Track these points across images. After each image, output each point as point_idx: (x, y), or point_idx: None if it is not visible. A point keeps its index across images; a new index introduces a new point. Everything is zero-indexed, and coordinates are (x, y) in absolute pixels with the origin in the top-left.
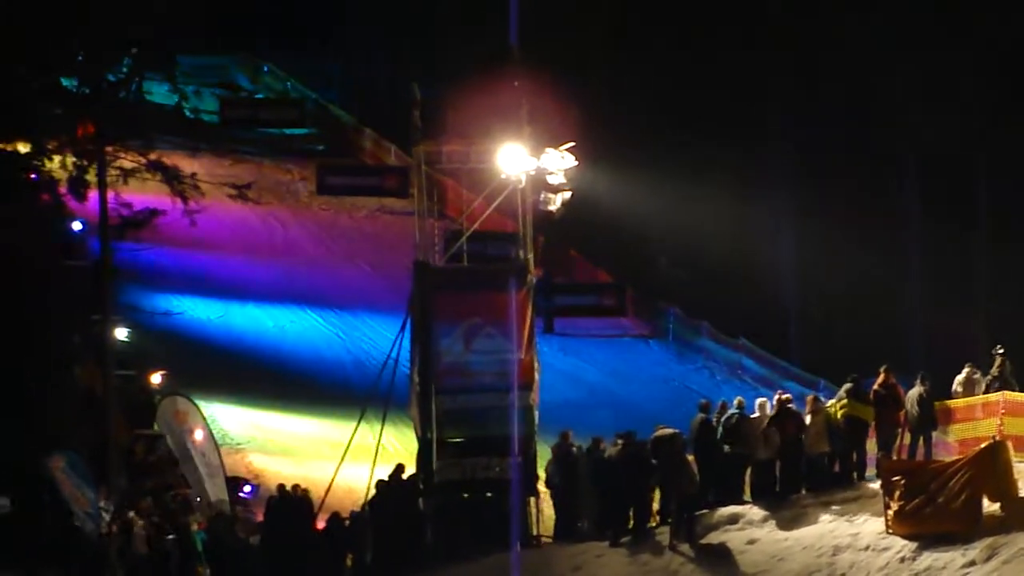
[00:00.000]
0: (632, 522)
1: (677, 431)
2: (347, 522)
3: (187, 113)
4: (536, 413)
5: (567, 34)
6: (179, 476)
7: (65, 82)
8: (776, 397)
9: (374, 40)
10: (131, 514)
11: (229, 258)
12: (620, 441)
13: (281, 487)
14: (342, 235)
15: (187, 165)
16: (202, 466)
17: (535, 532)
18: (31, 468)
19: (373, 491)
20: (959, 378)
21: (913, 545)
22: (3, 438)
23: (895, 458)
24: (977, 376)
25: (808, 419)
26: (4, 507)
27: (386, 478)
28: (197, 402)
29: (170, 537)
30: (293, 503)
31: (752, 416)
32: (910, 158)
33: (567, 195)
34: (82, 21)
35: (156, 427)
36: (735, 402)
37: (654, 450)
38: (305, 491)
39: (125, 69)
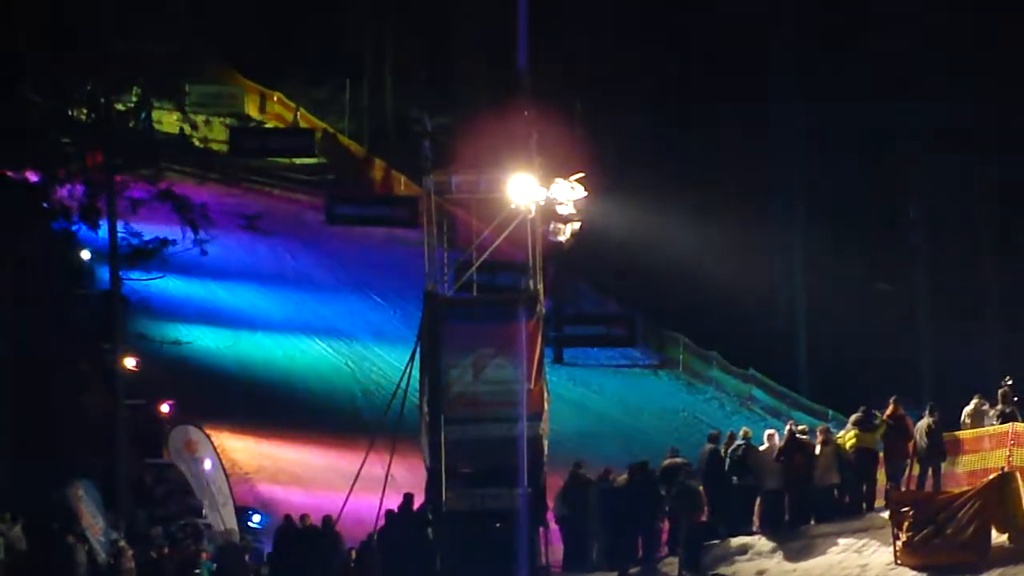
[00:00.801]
0: (641, 552)
1: (687, 460)
2: (355, 553)
3: (196, 143)
4: (545, 443)
5: (576, 65)
6: (189, 505)
7: (75, 112)
8: (787, 428)
9: (384, 70)
10: (121, 543)
11: (239, 287)
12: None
13: (287, 517)
14: (352, 265)
15: (197, 194)
16: (211, 495)
17: (544, 562)
18: (42, 497)
19: (382, 521)
20: (967, 409)
21: None
22: (13, 467)
23: (904, 489)
24: (986, 407)
25: (818, 449)
26: (17, 539)
27: (396, 508)
28: (207, 431)
29: (196, 572)
30: (301, 533)
31: (760, 447)
32: (919, 186)
33: (577, 225)
34: (91, 50)
35: (167, 456)
36: (741, 433)
37: (663, 480)
38: (329, 518)
39: (135, 99)
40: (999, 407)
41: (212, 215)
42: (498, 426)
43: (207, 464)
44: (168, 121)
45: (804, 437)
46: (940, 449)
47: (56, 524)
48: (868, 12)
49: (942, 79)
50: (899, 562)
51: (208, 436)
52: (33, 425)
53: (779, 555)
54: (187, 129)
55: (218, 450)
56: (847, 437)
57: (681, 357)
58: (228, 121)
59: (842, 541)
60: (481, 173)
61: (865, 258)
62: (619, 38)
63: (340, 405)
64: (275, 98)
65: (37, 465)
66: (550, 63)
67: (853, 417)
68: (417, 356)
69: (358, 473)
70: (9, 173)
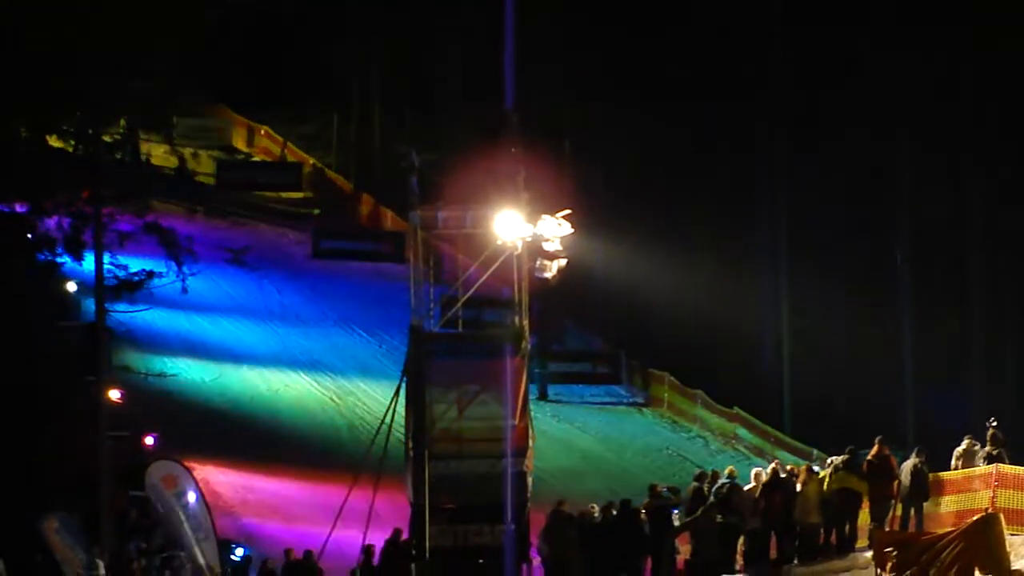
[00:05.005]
0: None
1: (669, 497)
2: None
3: (184, 176)
4: (530, 480)
5: (564, 103)
6: (171, 539)
7: (61, 143)
8: (771, 467)
9: (373, 105)
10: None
11: (224, 321)
12: (613, 509)
13: (288, 552)
14: (337, 299)
15: (183, 227)
16: (194, 529)
17: None
18: (24, 530)
19: (363, 556)
20: (958, 450)
21: None
22: None
23: (888, 529)
24: (977, 448)
25: (799, 489)
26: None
27: (384, 543)
28: (191, 464)
29: None
30: (284, 568)
31: (746, 486)
32: (905, 228)
33: (563, 262)
34: (79, 83)
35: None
36: (726, 471)
37: (648, 517)
38: (310, 553)
39: (122, 131)
40: (987, 448)
41: (198, 248)
42: (482, 463)
43: (190, 497)
44: (156, 154)
45: (784, 476)
46: (924, 490)
47: (38, 558)
48: (858, 53)
49: (931, 120)
50: None
51: (188, 469)
52: (16, 458)
53: None
54: (174, 162)
55: (201, 483)
56: (830, 478)
57: (666, 395)
58: (215, 154)
59: None
60: (468, 209)
61: (851, 299)
62: (606, 76)
63: (325, 439)
64: (262, 132)
65: (20, 499)
66: (537, 101)
67: (838, 458)
68: (402, 391)
69: (341, 508)
70: None
